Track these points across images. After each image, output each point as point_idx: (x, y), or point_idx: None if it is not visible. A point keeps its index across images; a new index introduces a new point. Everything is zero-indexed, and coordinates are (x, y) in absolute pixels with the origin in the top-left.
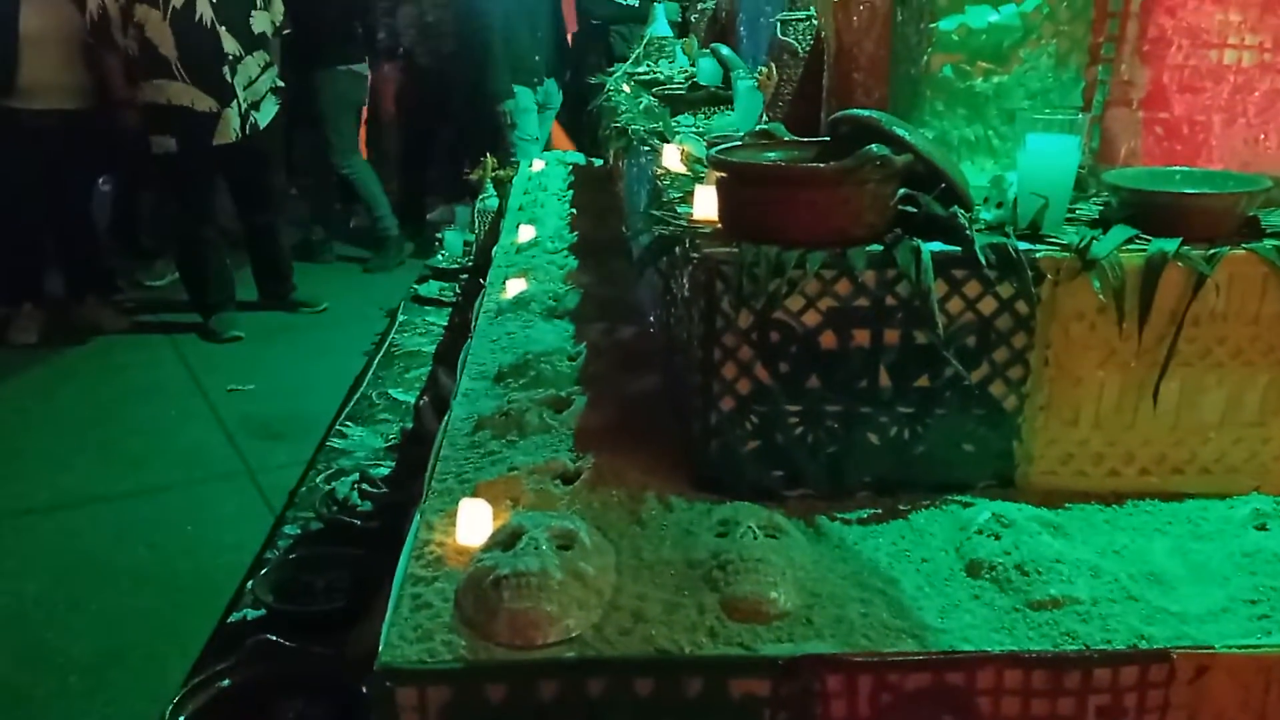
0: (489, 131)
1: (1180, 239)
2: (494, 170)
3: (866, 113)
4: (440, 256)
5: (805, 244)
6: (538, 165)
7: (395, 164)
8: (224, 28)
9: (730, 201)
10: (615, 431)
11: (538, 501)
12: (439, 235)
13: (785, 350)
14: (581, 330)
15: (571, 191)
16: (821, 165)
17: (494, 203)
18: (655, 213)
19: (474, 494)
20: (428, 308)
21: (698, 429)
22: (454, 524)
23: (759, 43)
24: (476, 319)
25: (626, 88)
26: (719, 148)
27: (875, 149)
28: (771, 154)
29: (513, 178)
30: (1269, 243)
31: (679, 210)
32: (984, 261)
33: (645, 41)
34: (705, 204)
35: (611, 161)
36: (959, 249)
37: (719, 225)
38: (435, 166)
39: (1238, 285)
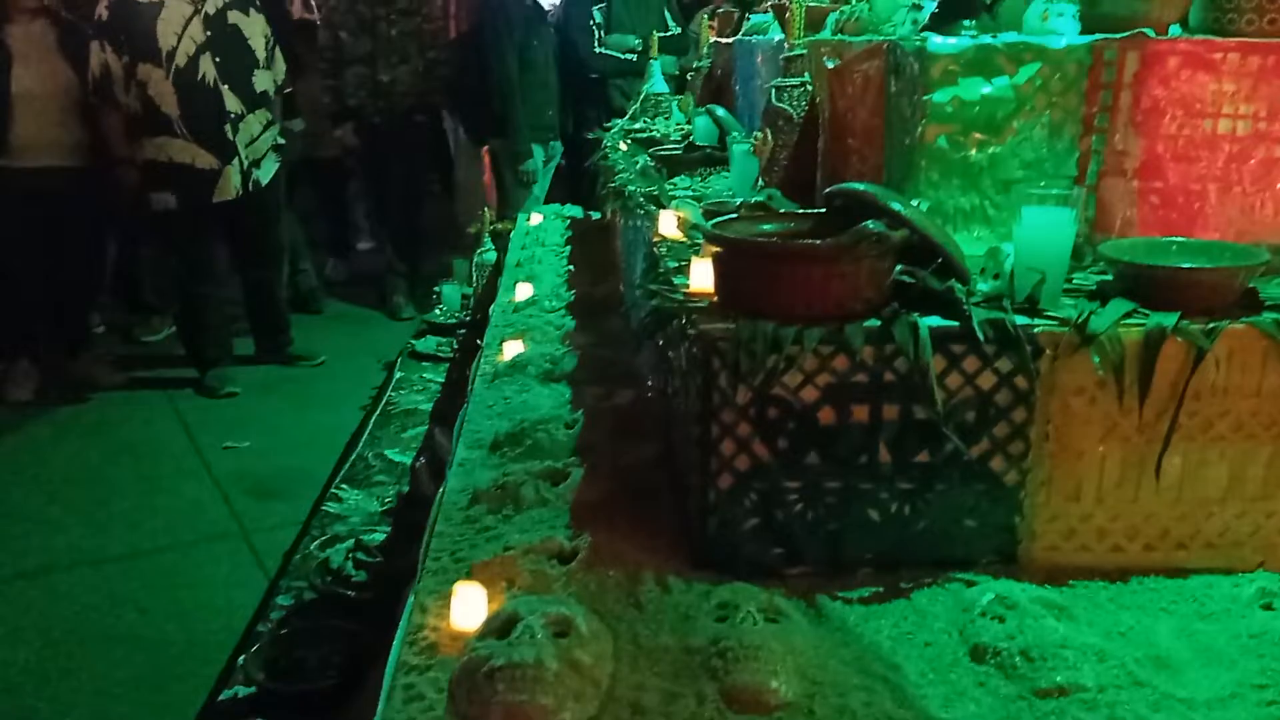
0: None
1: (1179, 313)
2: (492, 223)
3: (862, 186)
4: (438, 311)
5: (803, 319)
6: (535, 219)
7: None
8: (226, 86)
9: (727, 276)
10: (612, 505)
11: (534, 583)
12: (436, 289)
13: (784, 426)
14: (579, 395)
15: (569, 247)
16: (818, 242)
17: (492, 256)
18: (652, 285)
19: (469, 574)
20: (425, 363)
21: (696, 507)
22: (448, 607)
23: (754, 101)
24: (473, 382)
25: (624, 145)
26: (716, 221)
27: (871, 225)
28: (767, 226)
29: (511, 231)
30: (1268, 316)
31: (676, 281)
32: (982, 337)
33: (642, 98)
34: (702, 276)
35: (609, 217)
36: (957, 324)
37: (716, 298)
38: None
39: (1238, 359)
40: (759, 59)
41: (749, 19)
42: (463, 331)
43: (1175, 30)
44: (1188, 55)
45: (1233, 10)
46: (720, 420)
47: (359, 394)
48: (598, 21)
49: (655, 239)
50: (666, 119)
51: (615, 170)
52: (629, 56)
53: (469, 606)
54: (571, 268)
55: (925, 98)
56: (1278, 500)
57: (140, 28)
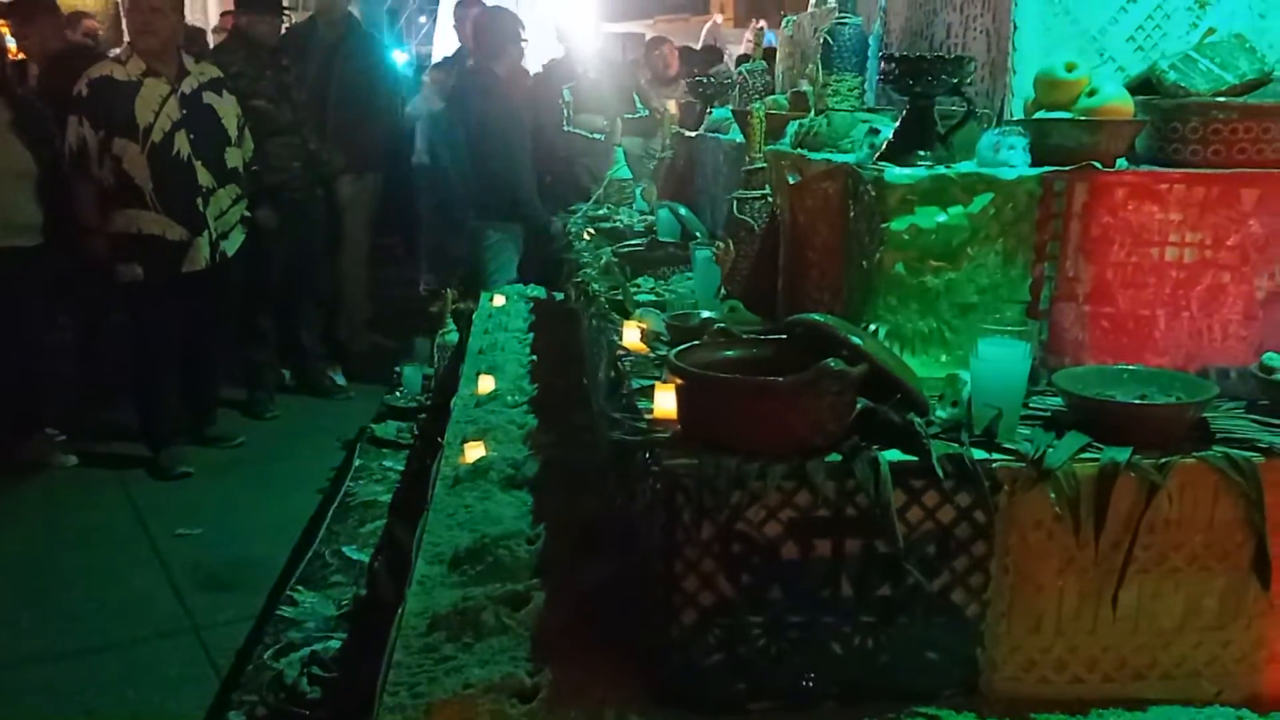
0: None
1: (1132, 447)
2: (454, 303)
3: (822, 318)
4: (398, 394)
5: (766, 452)
6: (498, 300)
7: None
8: (199, 162)
9: (691, 407)
10: (575, 633)
11: None
12: (397, 369)
13: (747, 561)
14: (540, 504)
15: (532, 334)
16: (780, 380)
17: (454, 337)
18: (616, 413)
19: (427, 713)
20: (385, 450)
21: (658, 643)
22: None
23: (715, 196)
24: (434, 486)
25: (588, 234)
26: (679, 349)
27: (833, 364)
28: (730, 352)
29: (473, 311)
30: (1218, 450)
31: (639, 406)
32: (941, 474)
33: (606, 183)
34: (666, 403)
35: (573, 301)
36: (916, 459)
37: (679, 426)
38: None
39: (1190, 493)
40: (720, 157)
41: (710, 113)
42: (423, 416)
43: (1122, 162)
44: (1134, 186)
45: (1178, 141)
46: (683, 556)
47: (316, 476)
48: (566, 100)
49: (619, 351)
50: (630, 206)
51: (580, 263)
52: (597, 135)
53: None
54: (534, 357)
55: (883, 225)
56: (1233, 629)
57: (119, 105)
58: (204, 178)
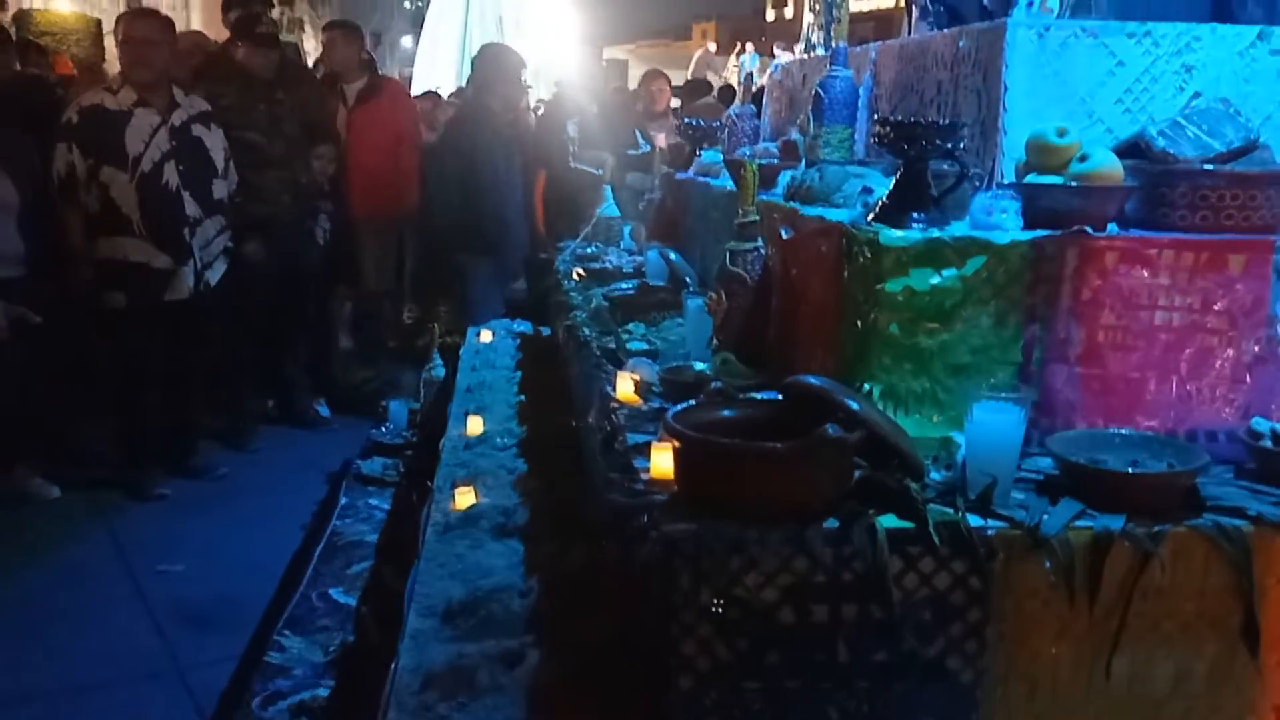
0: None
1: (1125, 515)
2: (441, 337)
3: (818, 381)
4: (384, 429)
5: (763, 515)
6: (485, 336)
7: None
8: (188, 193)
9: (688, 469)
10: (570, 694)
11: None
12: (383, 403)
13: (744, 627)
14: (532, 553)
15: (520, 372)
16: (779, 447)
17: (440, 372)
18: (612, 473)
19: None
20: (370, 486)
21: (655, 706)
22: None
23: (704, 241)
24: (425, 533)
25: (577, 274)
26: (676, 411)
27: (830, 430)
28: (727, 412)
29: (460, 346)
30: (1209, 518)
31: (635, 465)
32: (937, 541)
33: (594, 221)
34: (663, 462)
35: (562, 344)
36: (912, 525)
37: (676, 487)
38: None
39: (1182, 560)
40: (710, 202)
41: (699, 154)
42: (409, 453)
43: (1113, 227)
44: (1124, 251)
45: (1166, 206)
46: (680, 620)
47: (299, 510)
48: (572, 136)
49: (613, 404)
50: (619, 245)
51: (569, 305)
52: (596, 170)
53: None
54: (522, 397)
55: (878, 286)
56: (1222, 696)
57: (109, 134)
58: (191, 208)
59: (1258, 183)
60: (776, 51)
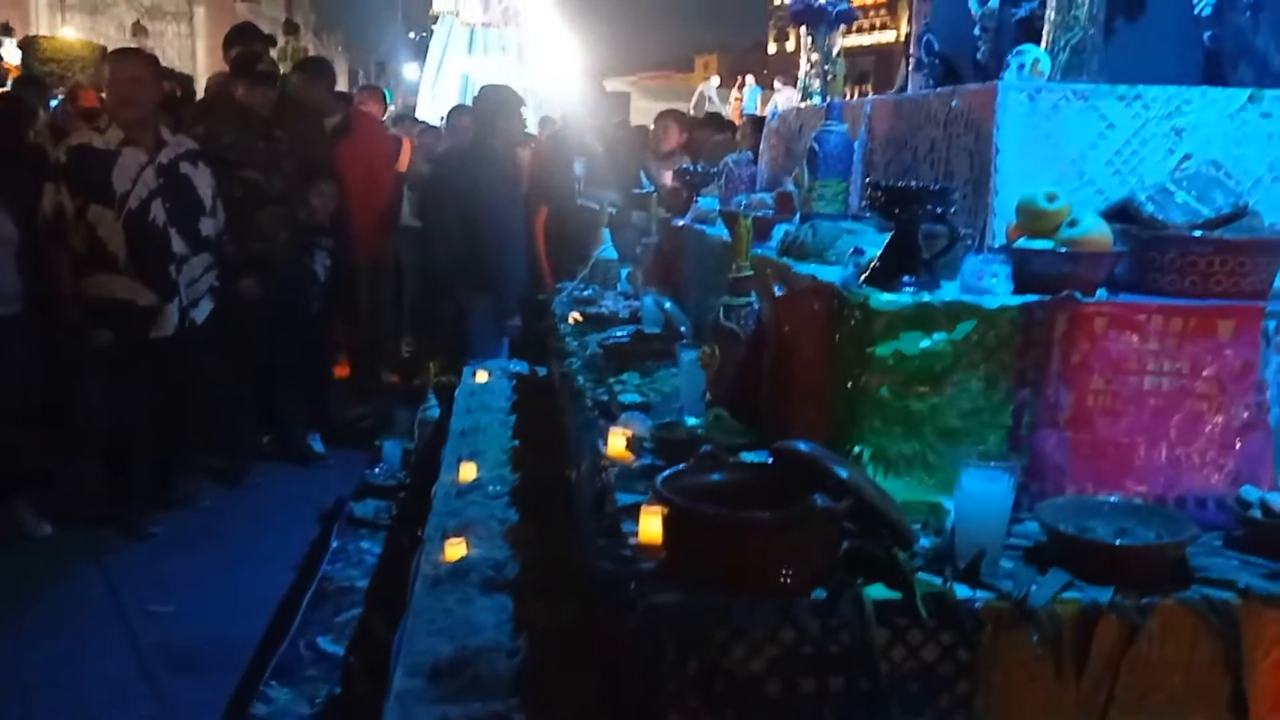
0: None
1: (1113, 587)
2: (436, 377)
3: (807, 448)
4: (378, 470)
5: (750, 584)
6: (481, 376)
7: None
8: (175, 230)
9: (676, 537)
10: None
11: None
12: (377, 443)
13: (731, 698)
14: (521, 609)
15: (514, 415)
16: (765, 517)
17: (435, 413)
18: (601, 539)
19: None
20: (363, 529)
21: None
22: None
23: (698, 286)
24: (414, 585)
25: (573, 319)
26: (665, 476)
27: (818, 501)
28: (716, 476)
29: (455, 386)
30: (1197, 591)
31: (624, 528)
32: (925, 614)
33: (592, 263)
34: (652, 527)
35: (556, 385)
36: (900, 595)
37: (663, 553)
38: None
39: (1170, 633)
40: (706, 251)
41: (696, 201)
42: (403, 495)
43: (1102, 291)
44: (1114, 316)
45: (1156, 271)
46: (666, 690)
47: (291, 551)
48: (579, 174)
49: (604, 462)
50: (615, 288)
51: (565, 351)
52: (610, 209)
53: None
54: (516, 442)
55: (868, 350)
56: None
57: (96, 173)
58: (178, 245)
59: (1246, 250)
60: (777, 85)
